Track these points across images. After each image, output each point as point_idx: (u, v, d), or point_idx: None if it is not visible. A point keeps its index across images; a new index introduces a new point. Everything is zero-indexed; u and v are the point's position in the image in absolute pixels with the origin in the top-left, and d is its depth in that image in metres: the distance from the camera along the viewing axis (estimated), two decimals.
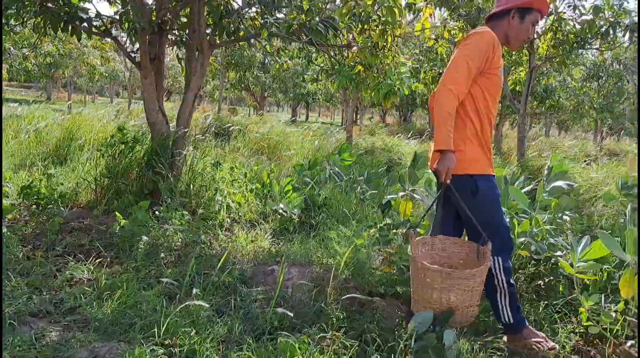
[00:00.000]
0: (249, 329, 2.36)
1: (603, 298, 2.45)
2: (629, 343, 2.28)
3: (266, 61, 16.53)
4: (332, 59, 4.75)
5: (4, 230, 3.21)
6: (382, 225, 3.73)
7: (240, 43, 8.19)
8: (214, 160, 5.30)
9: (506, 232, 2.33)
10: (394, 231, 3.61)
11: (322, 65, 8.37)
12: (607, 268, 2.76)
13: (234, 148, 8.81)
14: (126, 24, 4.78)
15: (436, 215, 2.58)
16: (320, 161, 5.00)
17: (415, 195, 3.67)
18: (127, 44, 5.75)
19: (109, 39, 4.99)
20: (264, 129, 10.20)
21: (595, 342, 2.47)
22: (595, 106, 14.36)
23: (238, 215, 4.50)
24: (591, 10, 7.20)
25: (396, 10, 3.84)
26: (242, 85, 16.68)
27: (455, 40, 8.13)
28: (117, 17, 4.74)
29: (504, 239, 2.32)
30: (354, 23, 4.36)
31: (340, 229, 3.70)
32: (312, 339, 2.14)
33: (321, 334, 2.20)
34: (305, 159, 6.14)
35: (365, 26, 4.18)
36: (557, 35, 7.50)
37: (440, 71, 9.39)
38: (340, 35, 4.61)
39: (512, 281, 2.34)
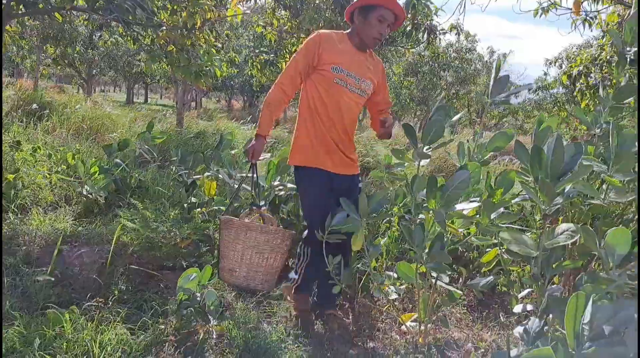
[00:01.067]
0: (25, 306, 2.31)
1: None
2: None
3: (94, 36, 15.37)
4: (142, 37, 4.67)
5: None
6: (186, 204, 3.84)
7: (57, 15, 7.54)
8: (13, 140, 4.89)
9: (313, 222, 2.43)
10: (197, 209, 3.74)
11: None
12: None
13: (50, 129, 8.12)
14: None
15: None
16: (133, 141, 4.91)
17: (219, 175, 3.83)
18: None
19: None
20: (85, 110, 9.53)
21: None
22: (414, 98, 16.08)
23: (39, 198, 4.24)
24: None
25: None
26: (66, 61, 15.27)
27: (285, 28, 8.49)
28: None
29: (310, 228, 2.46)
30: (166, 3, 4.35)
31: (144, 208, 3.71)
32: (86, 310, 2.19)
33: (99, 305, 2.26)
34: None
35: (175, 7, 4.20)
36: None
37: (270, 57, 9.68)
38: (154, 16, 4.55)
39: (317, 260, 2.46)
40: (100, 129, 9.05)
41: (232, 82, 23.12)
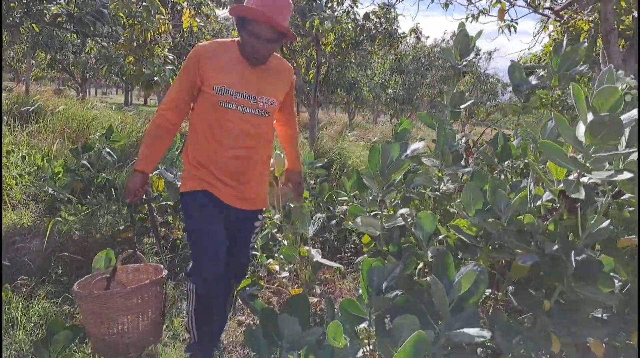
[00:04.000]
0: None
1: None
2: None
3: (87, 41, 15.88)
4: (104, 49, 5.13)
5: None
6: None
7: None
8: None
9: (199, 254, 2.15)
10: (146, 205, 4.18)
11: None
12: None
13: (34, 132, 8.58)
14: None
15: None
16: (96, 143, 5.36)
17: (168, 174, 4.25)
18: None
19: None
20: (73, 113, 10.00)
21: None
22: (397, 97, 16.50)
23: (8, 196, 4.69)
24: (362, 17, 8.47)
25: (151, 9, 4.36)
26: (61, 66, 15.80)
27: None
28: None
29: (194, 260, 2.20)
30: (122, 18, 4.78)
31: (86, 204, 4.15)
32: (17, 287, 2.63)
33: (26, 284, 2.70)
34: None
35: (131, 22, 4.63)
36: (338, 37, 8.67)
37: None
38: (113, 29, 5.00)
39: (205, 302, 2.20)
40: (86, 131, 9.51)
41: None
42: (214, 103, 2.11)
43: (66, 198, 4.66)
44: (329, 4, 8.14)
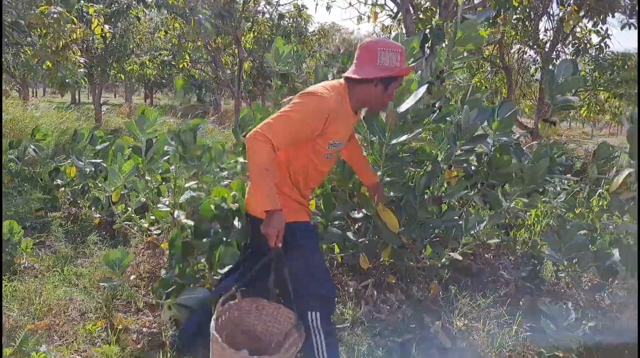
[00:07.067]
0: None
1: None
2: None
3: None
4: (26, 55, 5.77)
5: None
6: (51, 186, 4.99)
7: None
8: None
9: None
10: (62, 189, 4.91)
11: None
12: None
13: None
14: None
15: None
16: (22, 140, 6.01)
17: (78, 162, 4.98)
18: None
19: None
20: (11, 114, 10.46)
21: None
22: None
23: None
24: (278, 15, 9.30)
25: (61, 21, 5.04)
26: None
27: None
28: None
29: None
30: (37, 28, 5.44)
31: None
32: None
33: None
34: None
35: (44, 31, 5.29)
36: (256, 34, 9.47)
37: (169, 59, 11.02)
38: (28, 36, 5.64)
39: (332, 338, 2.15)
40: (23, 131, 10.01)
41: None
42: (320, 154, 2.14)
43: None
44: (246, 6, 8.93)
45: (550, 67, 7.76)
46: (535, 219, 4.26)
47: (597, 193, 3.78)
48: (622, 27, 7.76)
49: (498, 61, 9.20)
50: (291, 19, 9.41)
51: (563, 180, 4.60)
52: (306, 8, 8.96)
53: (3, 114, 10.76)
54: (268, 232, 1.93)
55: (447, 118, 2.94)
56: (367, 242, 3.04)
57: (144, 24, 10.81)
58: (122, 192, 3.81)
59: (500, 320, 2.90)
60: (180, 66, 10.98)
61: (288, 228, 1.99)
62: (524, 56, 9.51)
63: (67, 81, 5.18)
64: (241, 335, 2.17)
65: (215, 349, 1.85)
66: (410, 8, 4.62)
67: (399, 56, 2.11)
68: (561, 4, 7.94)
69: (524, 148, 3.18)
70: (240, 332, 2.17)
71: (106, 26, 5.81)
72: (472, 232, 2.87)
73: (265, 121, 1.98)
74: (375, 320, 2.87)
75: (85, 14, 6.06)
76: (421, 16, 4.77)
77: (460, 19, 2.69)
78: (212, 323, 1.92)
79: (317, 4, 20.31)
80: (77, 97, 28.89)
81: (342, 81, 2.16)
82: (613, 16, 7.75)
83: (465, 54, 2.85)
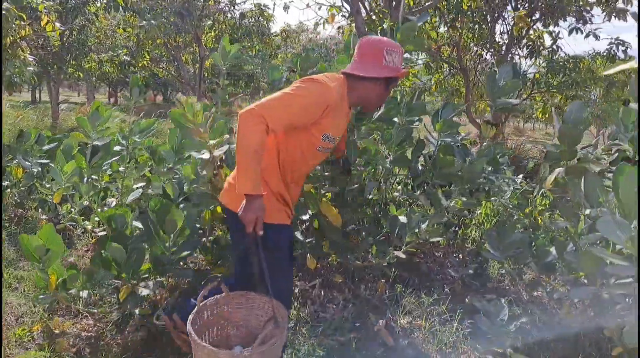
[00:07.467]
0: None
1: None
2: None
3: None
4: None
5: None
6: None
7: None
8: None
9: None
10: (8, 190, 4.75)
11: None
12: None
13: None
14: None
15: None
16: None
17: (24, 162, 4.82)
18: None
19: None
20: None
21: None
22: None
23: None
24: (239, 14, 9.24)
25: (9, 17, 4.88)
26: None
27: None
28: None
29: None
30: None
31: None
32: None
33: None
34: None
35: None
36: (217, 33, 9.38)
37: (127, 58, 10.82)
38: None
39: None
40: None
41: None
42: (313, 145, 2.05)
43: None
44: (206, 4, 8.83)
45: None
46: (485, 218, 4.35)
47: (541, 192, 3.89)
48: (570, 32, 8.01)
49: (456, 62, 9.36)
50: (252, 19, 9.36)
51: (515, 179, 4.72)
52: (268, 8, 8.90)
53: None
54: (247, 217, 1.83)
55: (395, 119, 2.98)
56: (313, 242, 3.06)
57: (104, 21, 10.57)
58: (67, 193, 3.70)
59: (441, 317, 2.95)
60: (140, 65, 10.78)
61: (264, 226, 1.88)
62: (481, 58, 9.70)
63: (14, 79, 5.02)
64: (234, 330, 2.11)
65: (193, 346, 1.80)
66: (362, 9, 4.66)
67: (400, 57, 2.10)
68: (514, 8, 8.14)
69: (472, 149, 3.25)
70: (232, 327, 2.11)
71: (57, 24, 5.65)
72: (416, 230, 2.90)
73: (263, 101, 1.87)
74: (321, 319, 2.88)
75: (37, 12, 5.90)
76: (374, 17, 4.82)
77: (402, 21, 2.72)
78: (190, 317, 1.85)
79: (274, 4, 20.33)
80: (37, 96, 28.03)
81: (339, 74, 2.11)
82: (565, 20, 7.99)
83: (407, 55, 2.89)
